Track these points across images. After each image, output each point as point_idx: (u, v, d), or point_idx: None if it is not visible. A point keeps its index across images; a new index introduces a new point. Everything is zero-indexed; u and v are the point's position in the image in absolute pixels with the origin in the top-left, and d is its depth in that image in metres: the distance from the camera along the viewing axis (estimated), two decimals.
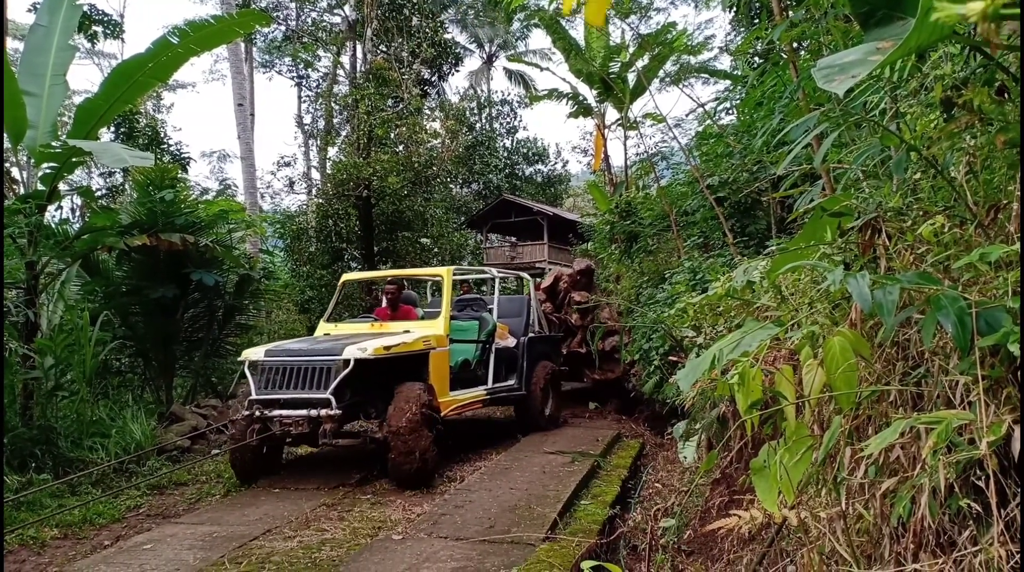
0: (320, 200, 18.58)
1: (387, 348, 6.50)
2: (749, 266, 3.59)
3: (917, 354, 2.30)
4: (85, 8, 13.71)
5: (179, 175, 10.51)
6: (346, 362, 6.28)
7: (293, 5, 28.18)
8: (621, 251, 12.05)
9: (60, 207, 13.99)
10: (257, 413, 6.33)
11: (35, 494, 5.88)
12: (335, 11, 28.20)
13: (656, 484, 6.45)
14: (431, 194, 20.07)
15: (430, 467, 6.33)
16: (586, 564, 2.28)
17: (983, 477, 1.83)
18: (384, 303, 8.61)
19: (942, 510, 1.96)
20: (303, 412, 6.21)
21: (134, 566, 4.52)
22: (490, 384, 8.34)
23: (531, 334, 9.33)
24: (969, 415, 1.83)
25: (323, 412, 6.15)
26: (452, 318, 8.09)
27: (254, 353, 6.81)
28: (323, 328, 8.05)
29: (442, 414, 6.89)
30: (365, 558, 4.47)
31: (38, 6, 9.88)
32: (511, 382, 8.74)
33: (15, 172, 8.26)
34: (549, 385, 9.12)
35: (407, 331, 7.26)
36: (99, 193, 17.68)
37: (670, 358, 7.06)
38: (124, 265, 9.55)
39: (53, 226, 7.86)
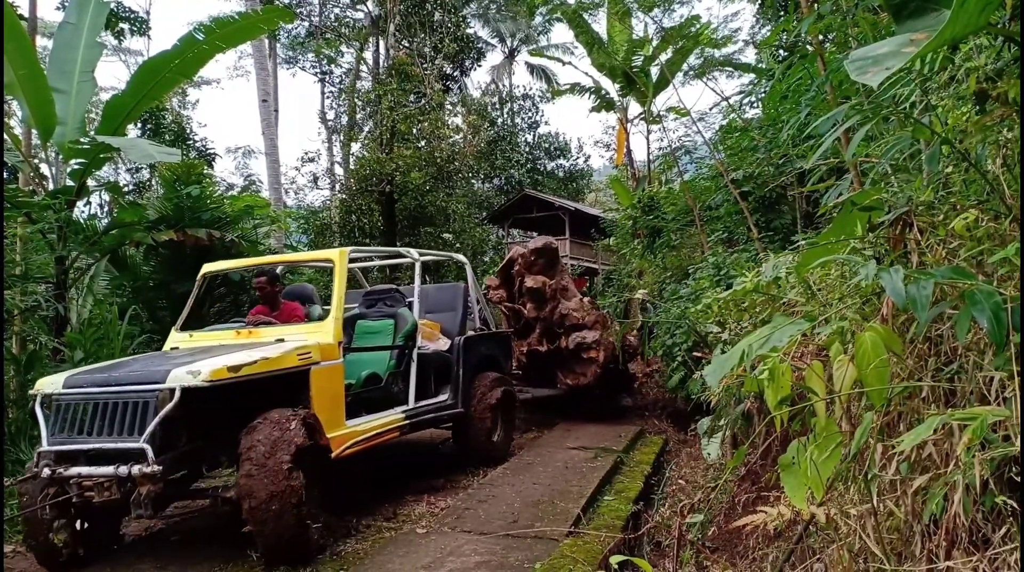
0: (343, 195, 18.70)
1: (234, 368, 4.43)
2: (777, 261, 3.56)
3: (950, 350, 2.28)
4: (112, 6, 13.88)
5: (205, 171, 10.60)
6: (172, 392, 4.22)
7: (316, 1, 28.34)
8: (644, 246, 12.02)
9: (88, 203, 14.21)
10: (47, 472, 4.20)
11: None
12: (358, 7, 28.27)
13: (680, 480, 6.43)
14: (453, 189, 20.11)
15: (310, 533, 4.40)
16: (614, 559, 2.27)
17: (1019, 474, 1.80)
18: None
19: (976, 507, 1.94)
20: (109, 469, 4.12)
21: (164, 558, 4.60)
22: (411, 403, 6.24)
23: (469, 332, 7.42)
24: (1004, 411, 1.80)
25: (135, 469, 4.07)
26: (359, 317, 6.66)
27: (50, 383, 4.59)
28: (173, 340, 5.89)
29: (335, 453, 4.97)
30: (390, 551, 4.50)
31: (67, 4, 10.03)
32: (443, 397, 6.73)
33: (44, 168, 8.40)
34: (499, 401, 7.02)
35: (280, 340, 5.23)
36: (126, 189, 17.90)
37: (694, 354, 7.04)
38: (151, 260, 9.66)
39: (82, 221, 7.98)
